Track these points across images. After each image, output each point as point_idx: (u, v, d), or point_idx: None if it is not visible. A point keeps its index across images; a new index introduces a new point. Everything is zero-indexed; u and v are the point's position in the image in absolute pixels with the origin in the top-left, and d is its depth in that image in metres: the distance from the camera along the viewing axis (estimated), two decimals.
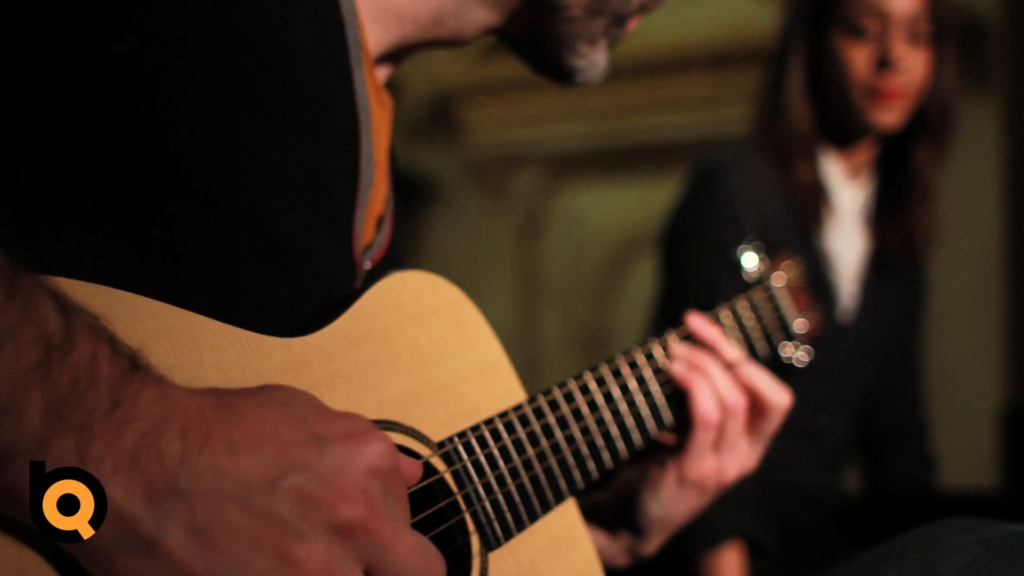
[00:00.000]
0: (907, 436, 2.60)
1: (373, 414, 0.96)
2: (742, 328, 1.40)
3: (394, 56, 1.15)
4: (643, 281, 5.11)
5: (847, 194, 2.42)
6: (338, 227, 1.01)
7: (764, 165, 2.35)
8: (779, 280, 1.47)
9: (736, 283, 2.28)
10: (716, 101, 4.87)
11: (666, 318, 2.41)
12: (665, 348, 1.25)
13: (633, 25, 1.18)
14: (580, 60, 1.15)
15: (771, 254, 2.34)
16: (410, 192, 5.27)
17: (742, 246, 1.48)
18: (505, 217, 5.38)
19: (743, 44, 4.76)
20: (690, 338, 1.29)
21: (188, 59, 0.87)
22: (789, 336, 1.45)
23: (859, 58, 2.30)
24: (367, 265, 1.07)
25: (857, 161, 2.43)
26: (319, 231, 0.98)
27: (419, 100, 5.27)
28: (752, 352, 1.40)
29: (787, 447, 2.34)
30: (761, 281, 1.46)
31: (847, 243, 2.44)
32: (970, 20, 4.59)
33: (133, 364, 0.75)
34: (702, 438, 1.23)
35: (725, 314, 1.37)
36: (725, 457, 1.25)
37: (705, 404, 1.22)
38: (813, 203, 2.36)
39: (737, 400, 1.24)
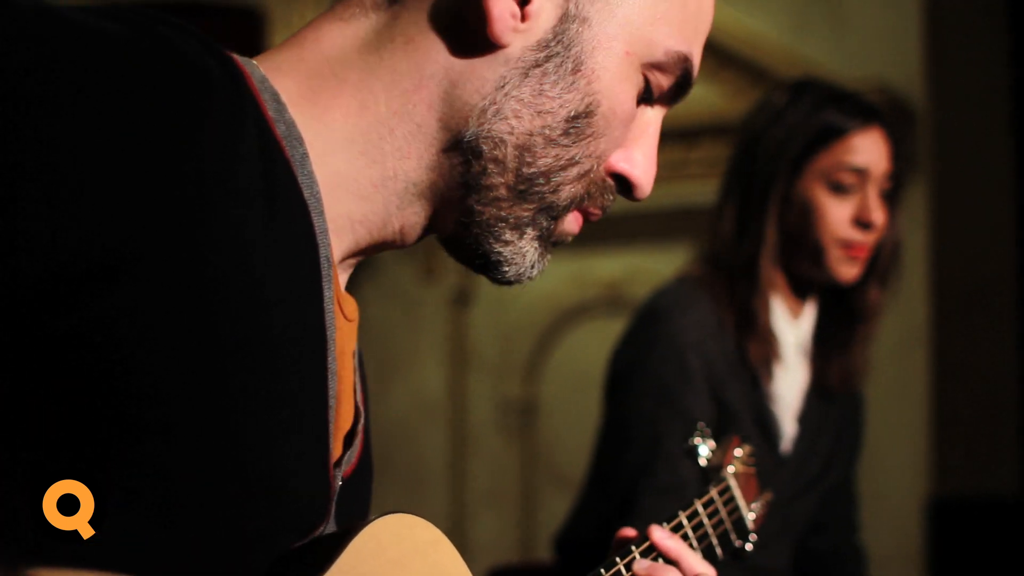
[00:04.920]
0: (844, 565, 2.62)
1: None
2: (702, 538, 1.42)
3: (348, 262, 1.14)
4: (572, 354, 5.11)
5: (792, 333, 2.43)
6: (314, 448, 1.01)
7: (711, 306, 2.34)
8: (732, 466, 1.50)
9: (681, 428, 2.28)
10: None
11: (608, 459, 2.40)
12: (629, 568, 1.28)
13: (572, 224, 1.17)
14: (505, 248, 1.11)
15: (717, 401, 2.35)
16: None
17: (695, 436, 1.50)
18: (436, 287, 5.36)
19: (680, 121, 4.80)
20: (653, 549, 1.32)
21: (159, 320, 0.87)
22: (744, 534, 1.50)
23: (838, 214, 2.30)
24: (338, 483, 1.06)
25: (802, 302, 2.44)
26: (297, 457, 0.98)
27: None
28: (711, 555, 1.43)
29: None
30: (717, 471, 1.49)
31: (790, 379, 2.46)
32: (899, 104, 4.68)
33: None
34: None
35: (687, 521, 1.40)
36: None
37: None
38: (764, 347, 2.36)
39: None
